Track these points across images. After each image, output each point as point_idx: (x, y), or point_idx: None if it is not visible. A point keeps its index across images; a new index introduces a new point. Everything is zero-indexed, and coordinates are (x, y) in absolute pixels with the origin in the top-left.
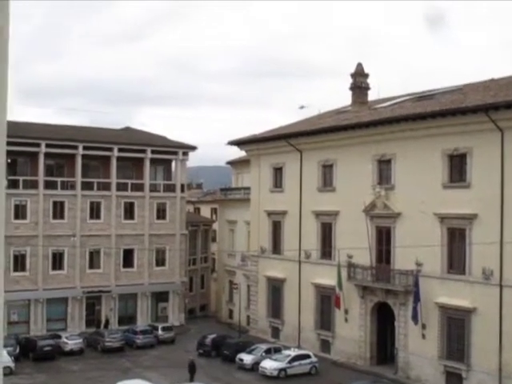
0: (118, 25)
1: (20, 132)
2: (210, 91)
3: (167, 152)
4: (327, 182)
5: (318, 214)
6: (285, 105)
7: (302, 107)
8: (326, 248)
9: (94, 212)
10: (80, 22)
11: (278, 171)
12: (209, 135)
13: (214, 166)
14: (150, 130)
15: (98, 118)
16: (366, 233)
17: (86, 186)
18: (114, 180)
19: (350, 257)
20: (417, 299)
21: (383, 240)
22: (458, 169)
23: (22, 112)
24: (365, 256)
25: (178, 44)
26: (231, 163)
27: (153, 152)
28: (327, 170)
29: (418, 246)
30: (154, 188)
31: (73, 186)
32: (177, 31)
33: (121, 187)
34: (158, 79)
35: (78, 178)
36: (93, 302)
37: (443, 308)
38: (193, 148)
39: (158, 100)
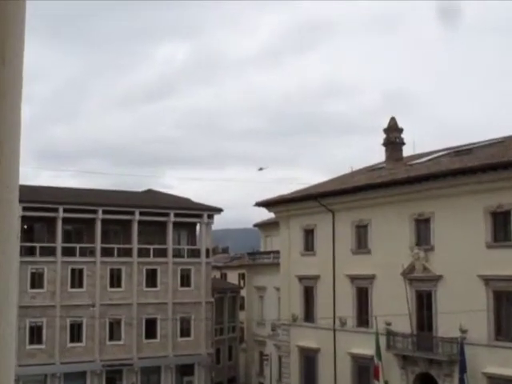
0: (138, 84)
1: (36, 196)
2: (236, 151)
3: (191, 215)
4: (362, 243)
5: (352, 278)
6: (314, 163)
7: (260, 169)
8: (363, 315)
9: (115, 280)
10: (99, 82)
11: (309, 233)
12: (235, 197)
13: (240, 229)
14: (174, 193)
15: (119, 180)
16: (405, 298)
17: (106, 252)
18: (135, 245)
19: (388, 324)
20: (463, 369)
21: (424, 305)
22: (502, 227)
23: (38, 175)
24: (404, 323)
25: (200, 103)
26: (259, 226)
27: (176, 215)
28: (361, 230)
29: (461, 312)
30: (177, 253)
31: (92, 253)
32: (199, 90)
33: (143, 253)
34: (181, 140)
35: (98, 244)
36: (113, 376)
37: (492, 379)
38: (218, 210)
39: (182, 161)
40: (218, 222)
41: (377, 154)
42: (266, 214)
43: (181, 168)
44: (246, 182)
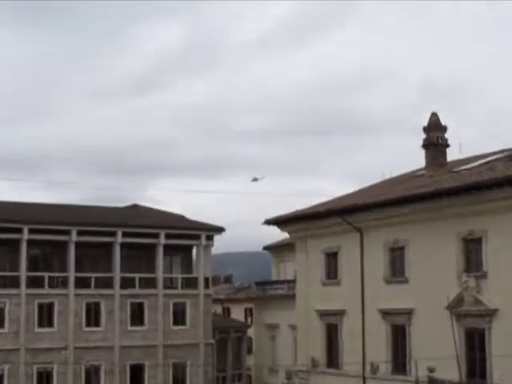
0: (123, 75)
1: None
2: (240, 155)
3: (186, 236)
4: (397, 270)
5: (386, 314)
6: (337, 170)
7: (254, 179)
8: (399, 359)
9: (92, 317)
10: (75, 72)
11: (331, 257)
12: (240, 213)
13: (247, 253)
14: (165, 208)
15: (98, 193)
16: (451, 337)
17: (81, 282)
18: (117, 274)
19: (431, 370)
20: None
21: (475, 346)
22: None
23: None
24: (451, 368)
25: (198, 96)
26: (270, 249)
27: (168, 236)
28: (397, 254)
29: None
30: (169, 283)
31: (64, 283)
32: (196, 81)
33: (126, 283)
34: (175, 143)
35: (71, 273)
36: None
37: None
38: (219, 230)
39: (175, 169)
40: (219, 245)
41: (415, 159)
42: (278, 235)
43: (174, 177)
44: (253, 195)
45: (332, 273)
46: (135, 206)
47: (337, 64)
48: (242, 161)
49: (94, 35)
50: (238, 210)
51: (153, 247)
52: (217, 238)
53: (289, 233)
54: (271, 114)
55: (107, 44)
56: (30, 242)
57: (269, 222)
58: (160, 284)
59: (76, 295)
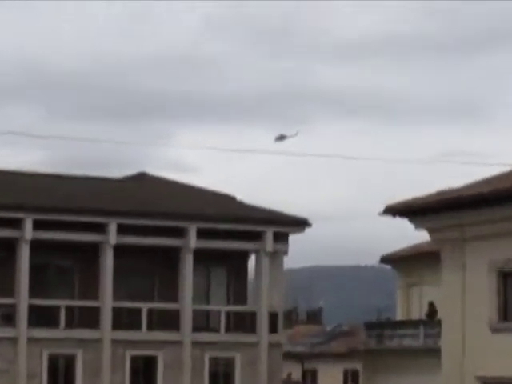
0: None
1: None
2: (330, 84)
3: (237, 234)
4: None
5: None
6: None
7: (281, 138)
8: None
9: (61, 381)
10: None
11: (509, 279)
12: (333, 195)
13: (347, 268)
14: (194, 180)
15: (76, 152)
16: None
17: (41, 316)
18: (106, 302)
19: None
20: None
21: None
22: None
23: None
24: None
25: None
26: (392, 261)
27: (202, 234)
28: None
29: None
30: (203, 322)
31: (9, 318)
32: None
33: (124, 320)
34: (217, 64)
35: (22, 299)
36: None
37: None
38: (299, 224)
39: (212, 112)
40: (298, 253)
41: None
42: (405, 237)
43: (208, 124)
44: (361, 162)
45: (510, 308)
46: (142, 177)
47: None
48: (329, 96)
49: None
50: (329, 190)
51: (173, 254)
52: (295, 239)
53: (430, 232)
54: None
55: None
56: None
57: (393, 211)
58: (186, 323)
59: (31, 340)
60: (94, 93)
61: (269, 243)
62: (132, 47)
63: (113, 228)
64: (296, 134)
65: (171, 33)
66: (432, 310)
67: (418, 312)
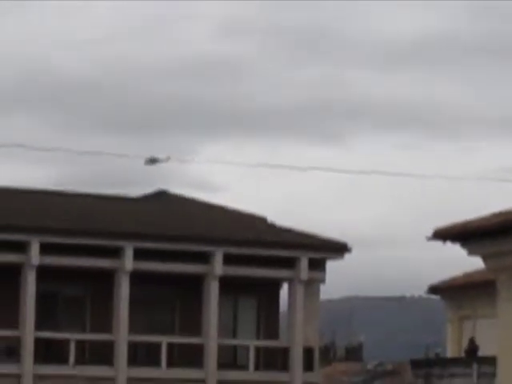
0: None
1: None
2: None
3: (268, 260)
4: None
5: None
6: None
7: (151, 161)
8: None
9: None
10: None
11: None
12: (369, 218)
13: (391, 299)
14: (219, 199)
15: (84, 165)
16: None
17: (51, 349)
18: (122, 336)
19: None
20: None
21: None
22: None
23: None
24: None
25: None
26: (441, 291)
27: (228, 259)
28: None
29: None
30: (230, 358)
31: (13, 353)
32: None
33: (141, 356)
34: (242, 71)
35: (27, 330)
36: None
37: None
38: (338, 250)
39: (242, 124)
40: (337, 280)
41: None
42: (456, 265)
43: (237, 137)
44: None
45: None
46: (162, 196)
47: None
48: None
49: None
50: (371, 212)
51: (196, 282)
52: (332, 266)
53: (484, 258)
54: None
55: None
56: None
57: (443, 235)
58: (211, 359)
59: (37, 378)
60: (106, 103)
61: (303, 271)
62: (148, 54)
63: (129, 252)
64: (168, 159)
65: (189, 39)
66: (472, 347)
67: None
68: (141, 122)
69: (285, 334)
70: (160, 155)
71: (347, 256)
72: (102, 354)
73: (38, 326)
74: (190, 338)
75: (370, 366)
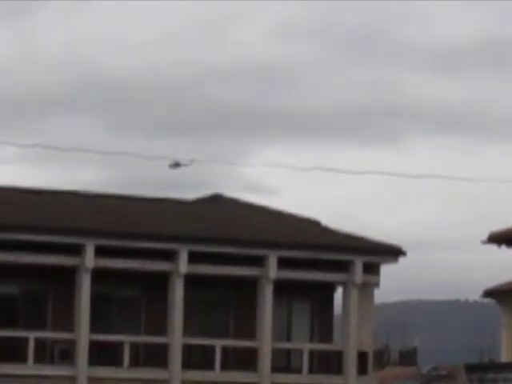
0: None
1: None
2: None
3: (320, 263)
4: None
5: None
6: None
7: (175, 165)
8: None
9: None
10: None
11: None
12: (424, 221)
13: (444, 303)
14: (274, 203)
15: (138, 168)
16: None
17: (105, 352)
18: (176, 338)
19: None
20: None
21: None
22: None
23: None
24: None
25: None
26: (497, 295)
27: (282, 262)
28: None
29: None
30: (284, 362)
31: (68, 355)
32: None
33: (193, 358)
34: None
35: (82, 333)
36: None
37: None
38: (393, 253)
39: (300, 127)
40: (391, 284)
41: None
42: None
43: (289, 140)
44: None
45: None
46: (216, 199)
47: None
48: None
49: None
50: (426, 215)
51: (251, 285)
52: (387, 270)
53: None
54: None
55: None
56: None
57: (497, 239)
58: (265, 363)
59: (92, 380)
60: (158, 105)
61: (358, 274)
62: (200, 56)
63: (184, 256)
64: (192, 163)
65: (241, 41)
66: None
67: None
68: (193, 125)
69: (339, 337)
70: (211, 158)
71: (402, 260)
72: (156, 356)
73: (93, 328)
74: (243, 342)
75: (424, 370)
